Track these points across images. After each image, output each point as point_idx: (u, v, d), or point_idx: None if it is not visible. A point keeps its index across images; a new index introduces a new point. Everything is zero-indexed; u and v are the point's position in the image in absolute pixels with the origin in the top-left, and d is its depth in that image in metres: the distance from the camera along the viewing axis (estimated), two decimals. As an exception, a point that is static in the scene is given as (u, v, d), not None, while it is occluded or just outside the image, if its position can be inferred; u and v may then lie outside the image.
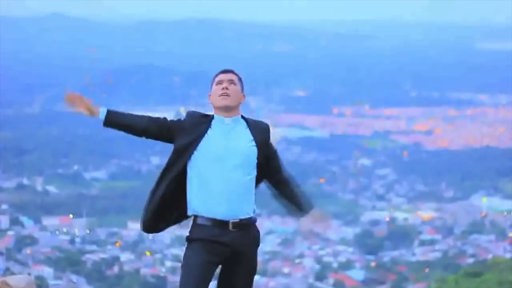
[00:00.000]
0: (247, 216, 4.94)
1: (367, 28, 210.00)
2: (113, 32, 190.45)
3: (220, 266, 5.01)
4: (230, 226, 4.88)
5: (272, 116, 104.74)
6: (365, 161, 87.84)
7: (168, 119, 5.06)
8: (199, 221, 4.91)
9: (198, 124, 4.93)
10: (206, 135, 4.89)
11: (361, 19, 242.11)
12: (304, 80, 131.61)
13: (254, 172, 4.96)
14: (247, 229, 4.95)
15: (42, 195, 68.13)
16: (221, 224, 4.87)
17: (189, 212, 4.96)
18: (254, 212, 5.02)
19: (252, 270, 5.06)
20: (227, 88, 4.93)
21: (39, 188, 70.31)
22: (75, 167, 78.12)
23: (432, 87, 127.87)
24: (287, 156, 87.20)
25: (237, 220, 4.89)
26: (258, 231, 5.07)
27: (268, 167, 5.06)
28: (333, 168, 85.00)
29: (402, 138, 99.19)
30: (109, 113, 4.98)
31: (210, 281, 4.91)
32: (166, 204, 5.00)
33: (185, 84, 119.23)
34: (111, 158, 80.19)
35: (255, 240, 5.03)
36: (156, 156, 77.34)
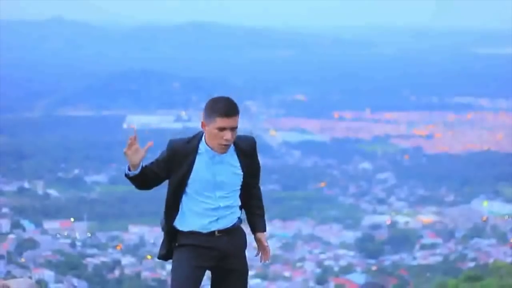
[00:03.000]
0: (232, 225, 5.00)
1: (367, 33, 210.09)
2: (113, 38, 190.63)
3: (212, 273, 5.07)
4: (216, 233, 4.94)
5: (272, 120, 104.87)
6: (366, 165, 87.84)
7: (154, 166, 4.95)
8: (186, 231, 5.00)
9: (185, 155, 4.89)
10: (194, 166, 4.88)
11: (361, 25, 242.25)
12: (304, 85, 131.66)
13: (238, 193, 5.00)
14: (233, 233, 5.00)
15: (43, 199, 68.14)
16: (208, 233, 4.94)
17: (175, 227, 5.00)
18: (238, 219, 5.06)
19: (243, 272, 5.10)
20: (229, 139, 4.82)
21: (40, 192, 70.32)
22: (76, 171, 78.15)
23: (432, 92, 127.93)
24: (288, 160, 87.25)
25: (222, 229, 4.96)
26: (245, 233, 5.11)
27: (246, 182, 5.07)
28: (334, 172, 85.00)
29: (402, 142, 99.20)
30: (142, 171, 4.91)
31: (199, 285, 4.96)
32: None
33: (184, 89, 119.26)
34: (111, 162, 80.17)
35: (242, 241, 5.08)
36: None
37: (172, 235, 5.02)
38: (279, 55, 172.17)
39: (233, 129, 4.79)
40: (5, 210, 60.87)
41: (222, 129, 4.76)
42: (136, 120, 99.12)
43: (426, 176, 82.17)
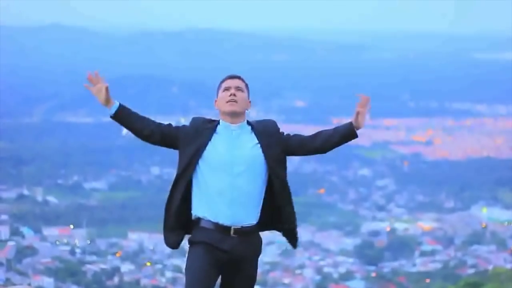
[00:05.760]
0: (250, 224, 4.98)
1: (366, 38, 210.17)
2: (112, 43, 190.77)
3: (222, 273, 5.05)
4: (232, 232, 4.92)
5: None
6: (365, 172, 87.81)
7: (174, 125, 5.10)
8: (202, 224, 4.95)
9: (202, 130, 4.97)
10: (210, 142, 4.94)
11: (360, 30, 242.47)
12: (303, 91, 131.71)
13: (261, 179, 5.00)
14: (248, 237, 4.99)
15: (42, 206, 68.05)
16: (223, 229, 4.91)
17: (194, 216, 5.00)
18: (257, 225, 5.04)
19: (251, 278, 5.09)
20: (234, 95, 4.97)
21: (39, 198, 70.22)
22: (75, 178, 78.07)
23: (431, 98, 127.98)
24: (287, 167, 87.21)
25: (238, 227, 4.93)
26: (261, 240, 5.11)
27: (297, 148, 5.20)
28: (333, 178, 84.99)
29: (401, 148, 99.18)
30: (121, 109, 5.12)
31: (215, 282, 4.97)
32: (183, 217, 5.04)
33: (183, 94, 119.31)
34: (111, 169, 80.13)
35: (256, 248, 5.08)
36: (155, 166, 77.31)
37: (175, 216, 5.01)
38: (278, 61, 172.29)
39: (237, 88, 5.00)
40: (4, 217, 60.77)
41: (227, 88, 4.99)
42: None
43: (426, 182, 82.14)
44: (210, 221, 4.92)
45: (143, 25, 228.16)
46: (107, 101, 5.11)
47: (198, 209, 4.96)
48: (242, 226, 4.94)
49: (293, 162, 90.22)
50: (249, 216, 4.97)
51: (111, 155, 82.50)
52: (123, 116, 5.11)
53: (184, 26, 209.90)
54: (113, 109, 5.09)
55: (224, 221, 4.90)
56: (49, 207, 68.32)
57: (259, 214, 5.03)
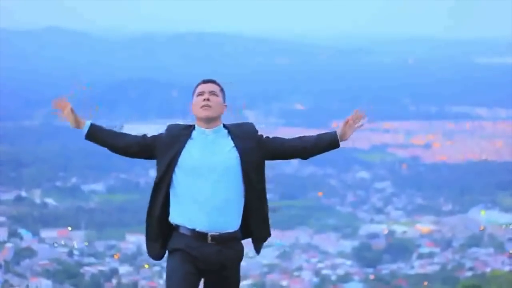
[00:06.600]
0: (229, 231, 4.88)
1: (366, 42, 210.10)
2: (112, 47, 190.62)
3: (204, 279, 5.02)
4: (209, 239, 4.83)
5: (271, 130, 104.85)
6: (364, 175, 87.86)
7: (149, 135, 5.10)
8: (181, 230, 4.89)
9: (178, 137, 4.94)
10: (185, 148, 4.89)
11: (361, 34, 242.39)
12: (303, 94, 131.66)
13: (239, 184, 4.90)
14: (227, 244, 4.88)
15: (40, 208, 68.06)
16: (200, 236, 4.83)
17: (172, 223, 4.94)
18: (238, 231, 4.94)
19: (235, 282, 5.01)
20: (208, 100, 4.95)
21: (37, 200, 70.23)
22: (74, 180, 78.08)
23: (431, 101, 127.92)
24: (286, 170, 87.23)
25: (216, 234, 4.83)
26: (242, 247, 5.00)
27: (277, 151, 5.10)
28: (332, 181, 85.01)
29: (400, 151, 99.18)
30: (92, 127, 5.05)
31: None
32: (164, 225, 4.99)
33: (184, 98, 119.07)
34: (110, 171, 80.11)
35: (237, 255, 4.95)
36: (154, 169, 76.85)
37: (156, 225, 4.97)
38: (278, 64, 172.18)
39: (211, 93, 4.98)
40: (2, 219, 60.84)
41: (201, 93, 4.98)
42: (134, 129, 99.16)
43: (424, 185, 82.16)
44: (186, 227, 4.85)
45: (144, 28, 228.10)
46: (78, 122, 5.04)
47: (175, 216, 4.90)
48: (220, 233, 4.84)
49: (292, 165, 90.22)
50: (228, 223, 4.87)
51: (110, 158, 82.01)
52: (96, 133, 5.06)
53: (185, 30, 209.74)
54: (85, 128, 5.04)
55: (201, 227, 4.82)
56: (47, 209, 68.34)
57: (240, 220, 4.93)
